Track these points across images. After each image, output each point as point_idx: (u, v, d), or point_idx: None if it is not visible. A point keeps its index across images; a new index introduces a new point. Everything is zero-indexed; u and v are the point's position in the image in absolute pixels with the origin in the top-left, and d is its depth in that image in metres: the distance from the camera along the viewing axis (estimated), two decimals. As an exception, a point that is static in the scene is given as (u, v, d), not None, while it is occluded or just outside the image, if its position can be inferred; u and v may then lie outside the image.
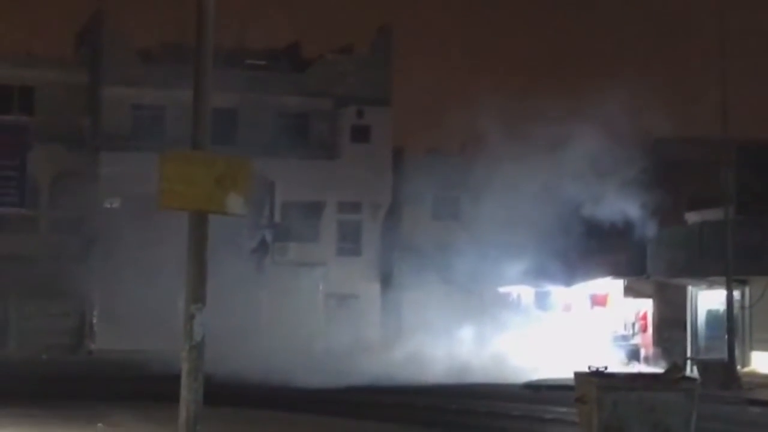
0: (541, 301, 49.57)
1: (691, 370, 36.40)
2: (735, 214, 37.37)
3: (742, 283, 38.88)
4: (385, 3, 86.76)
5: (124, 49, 55.05)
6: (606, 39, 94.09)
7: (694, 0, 62.38)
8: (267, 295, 51.24)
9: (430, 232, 53.13)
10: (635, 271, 43.54)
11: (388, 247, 56.40)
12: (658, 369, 34.13)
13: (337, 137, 57.21)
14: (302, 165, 54.68)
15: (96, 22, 55.75)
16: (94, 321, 52.82)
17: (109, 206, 52.14)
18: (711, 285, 39.94)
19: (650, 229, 41.40)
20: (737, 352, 36.60)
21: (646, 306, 45.00)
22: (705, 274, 39.46)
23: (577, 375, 16.31)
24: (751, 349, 39.56)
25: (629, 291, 44.93)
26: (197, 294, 11.70)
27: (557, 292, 48.33)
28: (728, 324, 36.22)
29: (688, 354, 40.84)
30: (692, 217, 43.20)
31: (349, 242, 57.23)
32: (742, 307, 39.41)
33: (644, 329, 44.91)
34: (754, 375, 37.28)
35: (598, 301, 46.73)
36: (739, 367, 36.49)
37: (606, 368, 16.41)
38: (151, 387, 30.18)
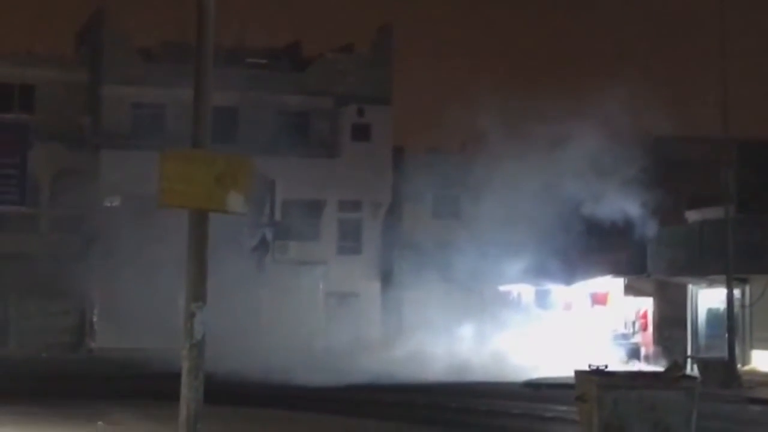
0: (542, 299, 49.58)
1: (692, 369, 36.42)
2: (735, 213, 37.36)
3: (743, 281, 38.88)
4: (385, 2, 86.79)
5: (125, 48, 55.05)
6: (606, 38, 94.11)
7: (694, -1, 62.40)
8: (267, 294, 51.23)
9: (430, 231, 53.11)
10: (636, 270, 43.55)
11: (389, 246, 56.41)
12: (658, 367, 34.19)
13: (338, 136, 57.22)
14: (302, 163, 54.67)
15: (96, 21, 55.75)
16: (95, 319, 52.82)
17: (109, 205, 52.11)
18: (711, 283, 39.94)
19: (651, 228, 41.38)
20: (737, 351, 36.60)
21: (646, 304, 45.00)
22: (705, 272, 39.47)
23: (578, 373, 16.32)
24: (752, 347, 39.56)
25: (629, 289, 44.94)
26: (198, 292, 11.70)
27: (557, 290, 48.34)
28: (728, 322, 36.23)
29: (689, 352, 40.85)
30: (692, 216, 43.19)
31: (350, 241, 57.23)
32: (743, 306, 39.40)
33: (644, 328, 44.92)
34: (754, 373, 37.28)
35: (598, 299, 46.75)
36: (739, 366, 36.49)
37: (606, 367, 16.42)
38: (151, 385, 30.20)
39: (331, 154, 56.69)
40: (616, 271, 44.66)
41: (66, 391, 30.39)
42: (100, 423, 22.05)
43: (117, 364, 42.12)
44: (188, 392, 11.61)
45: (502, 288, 49.82)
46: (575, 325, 45.12)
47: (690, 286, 42.37)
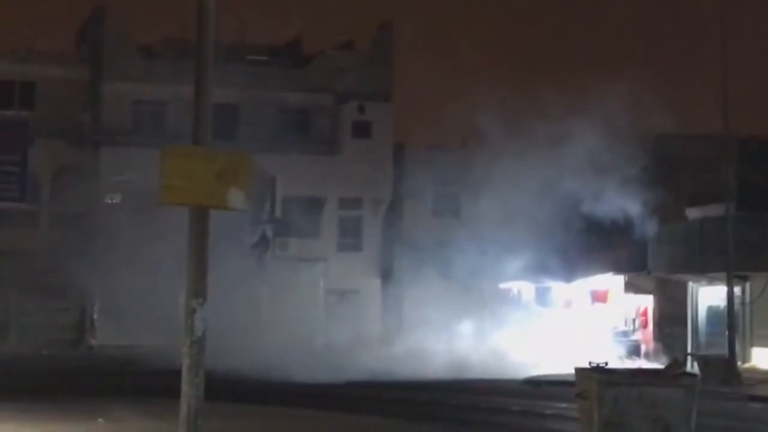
0: (542, 297, 49.58)
1: (692, 366, 36.43)
2: (736, 210, 37.37)
3: (743, 279, 38.91)
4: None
5: (125, 45, 55.04)
6: (607, 35, 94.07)
7: (695, -4, 62.38)
8: (267, 291, 51.22)
9: (430, 228, 53.12)
10: (636, 267, 43.57)
11: (389, 243, 56.43)
12: (658, 365, 34.16)
13: (338, 133, 57.22)
14: (303, 160, 54.67)
15: (97, 17, 55.73)
16: (95, 316, 52.83)
17: (109, 202, 52.10)
18: (711, 281, 39.96)
19: (651, 226, 41.40)
20: (738, 348, 36.62)
21: (646, 302, 45.03)
22: (705, 270, 39.49)
23: (578, 371, 16.32)
24: (752, 345, 39.59)
25: (630, 287, 44.96)
26: (198, 289, 11.70)
27: (558, 288, 48.35)
28: (729, 320, 36.24)
29: (689, 350, 40.87)
30: (693, 213, 43.21)
31: (350, 238, 57.25)
32: (743, 303, 39.43)
33: (645, 325, 44.95)
34: (754, 371, 37.31)
35: (598, 297, 46.76)
36: (739, 363, 36.51)
37: (606, 364, 16.42)
38: (151, 382, 30.21)
39: (331, 151, 56.69)
40: (617, 269, 44.67)
41: (66, 387, 30.42)
42: (100, 420, 22.08)
43: (117, 361, 42.13)
44: (189, 389, 11.61)
45: (502, 285, 49.83)
46: (575, 323, 45.13)
47: (690, 284, 42.39)
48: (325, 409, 26.12)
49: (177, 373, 11.87)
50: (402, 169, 56.03)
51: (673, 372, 16.27)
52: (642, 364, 39.69)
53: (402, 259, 53.27)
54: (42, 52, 54.89)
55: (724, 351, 35.98)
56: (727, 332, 36.20)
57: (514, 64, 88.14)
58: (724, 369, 34.87)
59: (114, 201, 51.86)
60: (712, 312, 41.37)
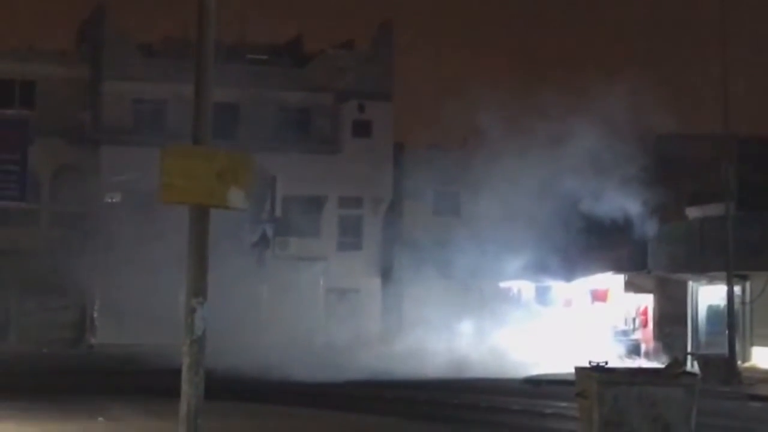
0: (542, 296, 49.58)
1: (692, 366, 36.44)
2: (736, 210, 37.37)
3: (743, 278, 38.92)
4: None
5: (126, 44, 55.05)
6: (607, 34, 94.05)
7: (695, -5, 62.35)
8: (267, 290, 51.23)
9: (430, 227, 53.13)
10: (636, 267, 43.58)
11: (389, 242, 56.43)
12: (658, 364, 34.17)
13: (338, 132, 57.22)
14: (303, 159, 54.66)
15: (97, 16, 55.74)
16: (95, 315, 52.84)
17: (109, 201, 52.12)
18: (711, 280, 39.97)
19: (651, 225, 41.41)
20: (738, 348, 36.64)
21: (646, 301, 45.05)
22: (706, 269, 39.50)
23: (578, 370, 16.33)
24: (752, 344, 39.60)
25: (630, 286, 44.97)
26: (198, 288, 11.70)
27: (558, 287, 48.36)
28: (729, 319, 36.26)
29: (689, 349, 40.88)
30: (693, 213, 43.22)
31: (350, 237, 57.25)
32: (743, 303, 39.45)
33: (645, 324, 44.96)
34: (754, 370, 37.33)
35: (598, 296, 46.76)
36: (739, 363, 36.52)
37: (606, 363, 16.43)
38: (151, 381, 30.23)
39: (331, 150, 56.68)
40: (617, 268, 44.68)
41: (66, 386, 30.43)
42: (100, 419, 22.09)
43: (117, 360, 42.13)
44: (188, 388, 11.61)
45: (502, 284, 49.83)
46: (575, 322, 45.14)
47: (690, 283, 42.41)
48: (325, 408, 26.12)
49: (177, 372, 11.87)
50: (402, 168, 56.04)
51: (673, 371, 16.28)
52: (642, 363, 39.71)
53: (402, 258, 53.26)
54: (42, 51, 54.92)
55: (724, 350, 35.99)
56: (727, 331, 36.21)
57: (514, 63, 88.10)
58: (724, 368, 34.88)
59: (114, 200, 51.88)
60: (712, 311, 41.39)
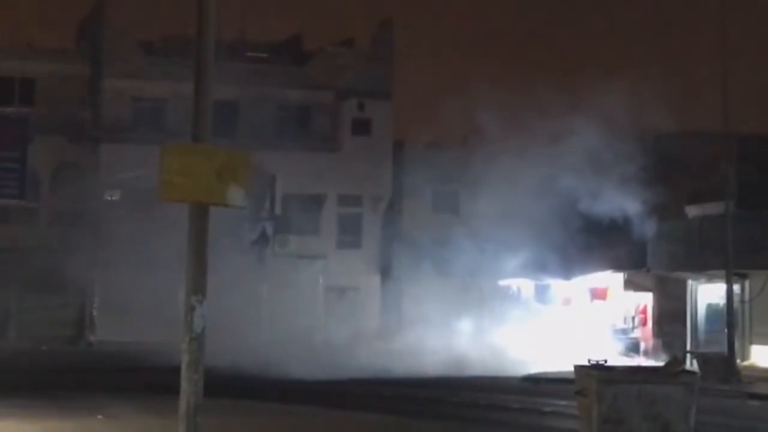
0: (541, 294, 49.57)
1: (691, 364, 36.46)
2: (735, 208, 37.38)
3: (742, 276, 38.93)
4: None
5: (125, 42, 55.04)
6: (607, 33, 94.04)
7: (695, -6, 62.35)
8: (267, 288, 51.23)
9: (429, 225, 53.13)
10: (635, 265, 43.58)
11: (388, 240, 56.45)
12: (657, 362, 34.19)
13: (338, 130, 57.24)
14: (303, 157, 54.69)
15: (97, 13, 55.73)
16: (95, 312, 52.86)
17: (109, 198, 52.15)
18: (711, 279, 39.99)
19: (650, 224, 41.41)
20: (737, 346, 36.64)
21: (646, 299, 45.04)
22: (705, 267, 39.51)
23: (577, 368, 16.34)
24: (751, 342, 39.61)
25: (629, 284, 44.97)
26: (197, 286, 11.70)
27: (557, 285, 48.36)
28: (728, 318, 36.27)
29: (688, 347, 40.88)
30: (692, 211, 43.23)
31: (350, 235, 57.28)
32: (742, 301, 39.46)
33: (644, 323, 44.96)
34: (753, 369, 37.33)
35: (597, 294, 46.75)
36: (738, 361, 36.52)
37: (606, 361, 16.45)
38: (151, 379, 30.24)
39: (331, 149, 56.70)
40: (616, 266, 44.67)
41: (66, 384, 30.43)
42: (99, 416, 22.09)
43: (116, 357, 42.13)
44: (188, 385, 11.61)
45: (502, 282, 49.84)
46: (575, 320, 45.16)
47: (690, 281, 42.41)
48: (325, 405, 26.12)
49: (176, 370, 11.87)
50: (401, 166, 56.07)
51: (673, 369, 16.29)
52: (641, 361, 39.75)
53: (401, 256, 53.25)
54: (42, 49, 54.92)
55: (724, 349, 36.00)
56: (726, 330, 36.23)
57: (514, 62, 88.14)
58: (723, 367, 34.88)
59: (114, 198, 51.91)
60: (712, 310, 41.40)
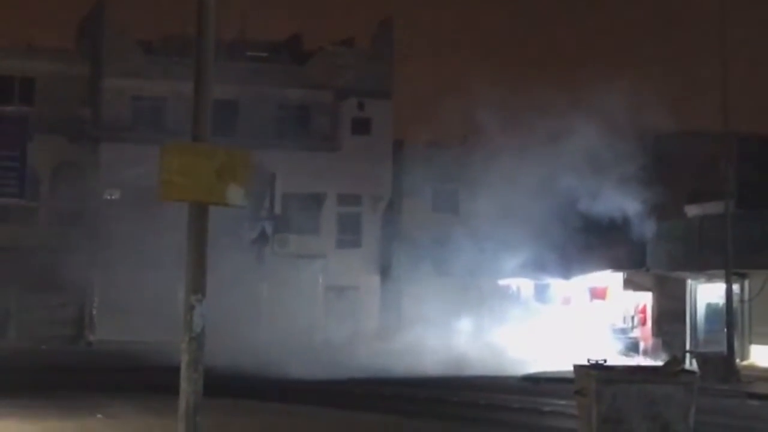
0: (541, 293, 49.57)
1: (690, 364, 36.46)
2: (735, 208, 37.39)
3: (742, 276, 38.92)
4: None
5: (125, 41, 55.04)
6: (606, 32, 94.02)
7: (695, -7, 62.36)
8: (267, 287, 51.25)
9: (429, 225, 53.13)
10: (635, 264, 43.57)
11: (388, 240, 56.45)
12: (657, 362, 34.20)
13: (338, 129, 57.23)
14: (303, 157, 54.69)
15: (97, 13, 55.72)
16: (94, 312, 52.85)
17: (109, 197, 52.15)
18: (710, 278, 39.98)
19: (650, 223, 41.41)
20: (736, 346, 36.63)
21: (645, 299, 45.03)
22: (704, 267, 39.50)
23: (577, 367, 16.33)
24: (750, 342, 39.60)
25: (629, 284, 44.96)
26: (197, 285, 11.70)
27: (556, 285, 48.35)
28: (727, 317, 36.27)
29: (687, 347, 40.88)
30: (692, 211, 43.23)
31: (349, 234, 57.26)
32: (742, 301, 39.45)
33: (643, 322, 44.96)
34: (753, 368, 37.32)
35: (597, 293, 46.75)
36: (738, 361, 36.52)
37: (605, 361, 16.44)
38: (150, 378, 30.22)
39: (331, 148, 56.70)
40: (616, 266, 44.66)
41: (65, 383, 30.43)
42: (99, 415, 22.09)
43: (116, 357, 42.12)
44: (187, 385, 11.61)
45: (501, 282, 49.84)
46: (574, 320, 45.16)
47: (689, 281, 42.41)
48: (324, 405, 26.11)
49: (176, 369, 11.88)
50: (401, 165, 56.07)
51: (672, 369, 16.29)
52: (640, 361, 39.75)
53: (401, 255, 53.27)
54: (42, 48, 54.90)
55: (723, 348, 36.00)
56: (725, 329, 36.23)
57: (514, 61, 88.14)
58: (722, 366, 34.89)
59: (113, 197, 51.91)
60: (711, 309, 41.39)
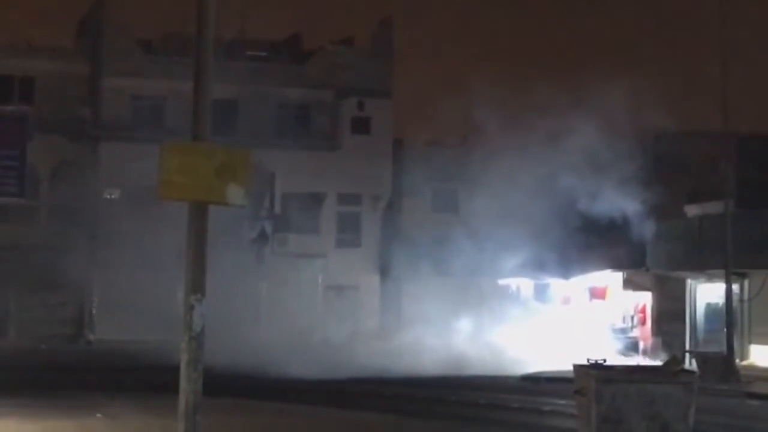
0: (540, 293, 49.57)
1: (690, 363, 36.46)
2: (734, 208, 37.40)
3: (741, 276, 38.92)
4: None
5: (125, 40, 55.02)
6: (606, 32, 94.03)
7: (695, -7, 62.35)
8: (266, 286, 51.25)
9: (429, 224, 53.13)
10: (634, 264, 43.57)
11: (388, 239, 56.42)
12: (656, 362, 34.18)
13: (338, 129, 57.21)
14: (302, 156, 54.67)
15: (97, 12, 55.71)
16: (94, 311, 52.84)
17: (108, 197, 52.14)
18: (710, 278, 39.98)
19: (650, 223, 41.41)
20: (736, 346, 36.63)
21: (645, 299, 45.03)
22: (704, 267, 39.50)
23: (576, 367, 16.34)
24: (750, 342, 39.60)
25: (628, 284, 44.96)
26: (197, 285, 11.70)
27: (556, 284, 48.35)
28: (727, 317, 36.27)
29: (687, 347, 40.89)
30: (692, 210, 43.23)
31: (349, 234, 57.25)
32: (741, 301, 39.44)
33: (643, 322, 44.96)
34: (752, 368, 37.32)
35: (597, 293, 46.75)
36: (737, 361, 36.52)
37: (605, 361, 16.45)
38: (150, 377, 30.21)
39: (331, 147, 56.69)
40: (615, 265, 44.66)
41: (65, 383, 30.43)
42: (98, 415, 22.09)
43: (116, 356, 42.10)
44: (187, 384, 11.61)
45: (501, 281, 49.83)
46: (574, 319, 45.14)
47: (689, 281, 42.41)
48: (324, 405, 26.12)
49: (175, 369, 11.88)
50: (401, 165, 56.05)
51: (672, 369, 16.29)
52: (640, 360, 39.72)
53: (400, 255, 53.22)
54: (41, 47, 54.87)
55: (723, 348, 36.01)
56: (725, 329, 36.23)
57: (514, 61, 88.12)
58: (722, 366, 34.89)
59: (113, 196, 51.91)
60: (711, 309, 41.40)
